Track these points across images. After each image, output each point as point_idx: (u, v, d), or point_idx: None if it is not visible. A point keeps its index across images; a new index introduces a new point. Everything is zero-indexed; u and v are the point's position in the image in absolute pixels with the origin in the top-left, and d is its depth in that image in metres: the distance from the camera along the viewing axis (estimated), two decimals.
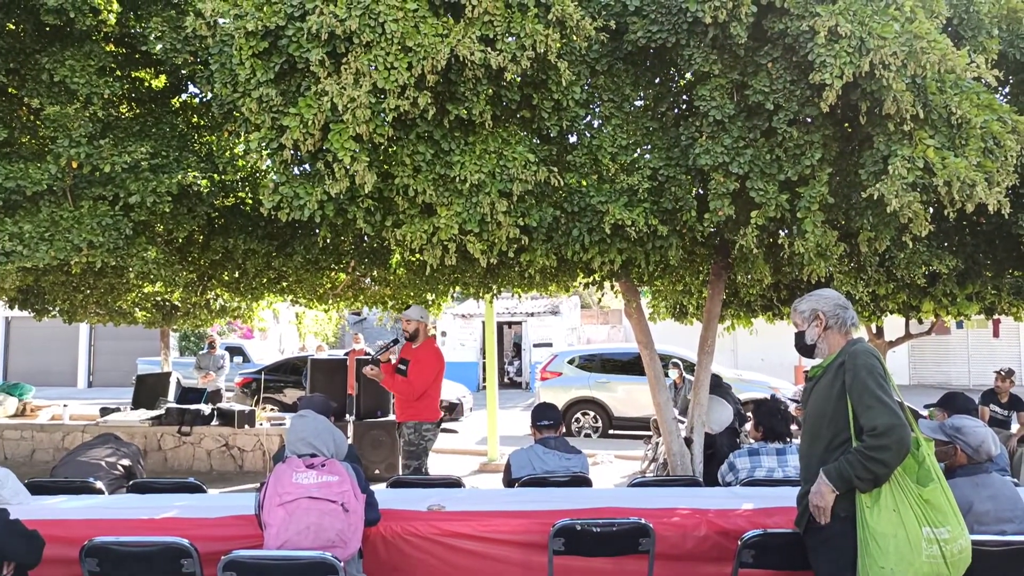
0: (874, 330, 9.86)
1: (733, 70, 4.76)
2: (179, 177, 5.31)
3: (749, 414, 6.84)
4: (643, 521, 3.30)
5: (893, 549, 2.70)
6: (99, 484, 4.30)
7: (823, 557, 2.92)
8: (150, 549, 3.03)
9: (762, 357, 20.02)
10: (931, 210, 4.97)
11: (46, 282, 7.85)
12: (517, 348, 24.68)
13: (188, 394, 10.55)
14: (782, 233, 5.45)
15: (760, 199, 4.68)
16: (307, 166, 4.86)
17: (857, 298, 6.71)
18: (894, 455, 2.74)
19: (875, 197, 4.40)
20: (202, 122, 6.53)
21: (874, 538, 2.74)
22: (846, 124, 5.01)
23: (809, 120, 4.78)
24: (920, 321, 9.18)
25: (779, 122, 4.64)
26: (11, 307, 9.55)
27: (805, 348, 3.11)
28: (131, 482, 4.67)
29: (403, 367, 6.09)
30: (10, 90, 5.73)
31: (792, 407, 8.35)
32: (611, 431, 12.69)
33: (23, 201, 5.15)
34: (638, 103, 5.34)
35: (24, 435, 9.75)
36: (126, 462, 5.01)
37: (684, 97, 5.35)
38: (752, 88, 4.65)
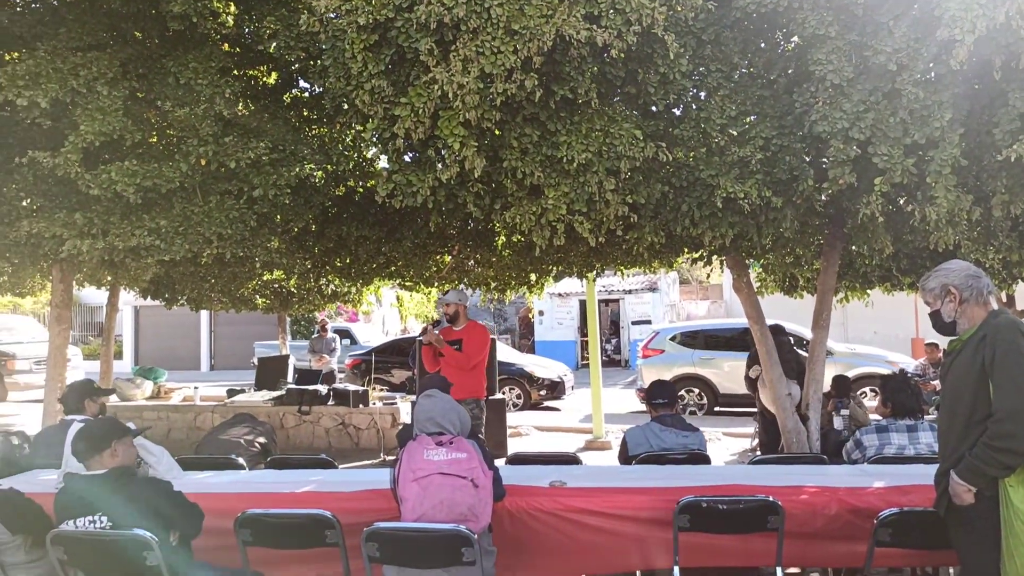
0: (1004, 299, 9.24)
1: (851, 31, 4.54)
2: (297, 170, 5.55)
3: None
4: (771, 499, 3.26)
5: None
6: (240, 460, 4.61)
7: (966, 538, 2.81)
8: (297, 521, 3.24)
9: (875, 330, 19.09)
10: None
11: (176, 273, 8.41)
12: (614, 326, 24.54)
13: (305, 375, 11.09)
14: (903, 200, 5.20)
15: (884, 165, 4.47)
16: (417, 153, 4.98)
17: (988, 265, 6.31)
18: (1023, 441, 2.60)
19: (1012, 159, 4.12)
20: (313, 115, 6.79)
21: (1019, 517, 2.61)
22: (976, 83, 4.71)
23: (935, 79, 4.53)
24: None
25: (903, 83, 4.41)
26: (144, 297, 10.28)
27: (944, 327, 2.95)
28: (268, 458, 4.99)
29: (455, 347, 6.17)
30: (139, 94, 6.13)
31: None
32: (717, 408, 12.48)
33: (158, 199, 5.52)
34: (746, 71, 5.18)
35: (160, 415, 10.51)
36: (262, 440, 5.35)
37: (795, 62, 5.16)
38: (872, 49, 4.42)
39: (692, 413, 12.39)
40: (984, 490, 2.71)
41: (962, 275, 2.93)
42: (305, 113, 6.83)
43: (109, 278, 9.02)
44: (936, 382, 9.22)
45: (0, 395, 15.78)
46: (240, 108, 6.54)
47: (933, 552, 3.40)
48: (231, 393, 10.58)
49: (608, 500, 3.55)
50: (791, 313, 12.36)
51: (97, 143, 5.28)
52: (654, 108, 5.10)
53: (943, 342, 3.16)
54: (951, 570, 3.85)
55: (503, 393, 12.43)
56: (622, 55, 4.74)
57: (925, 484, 3.47)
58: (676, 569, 3.41)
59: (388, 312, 25.61)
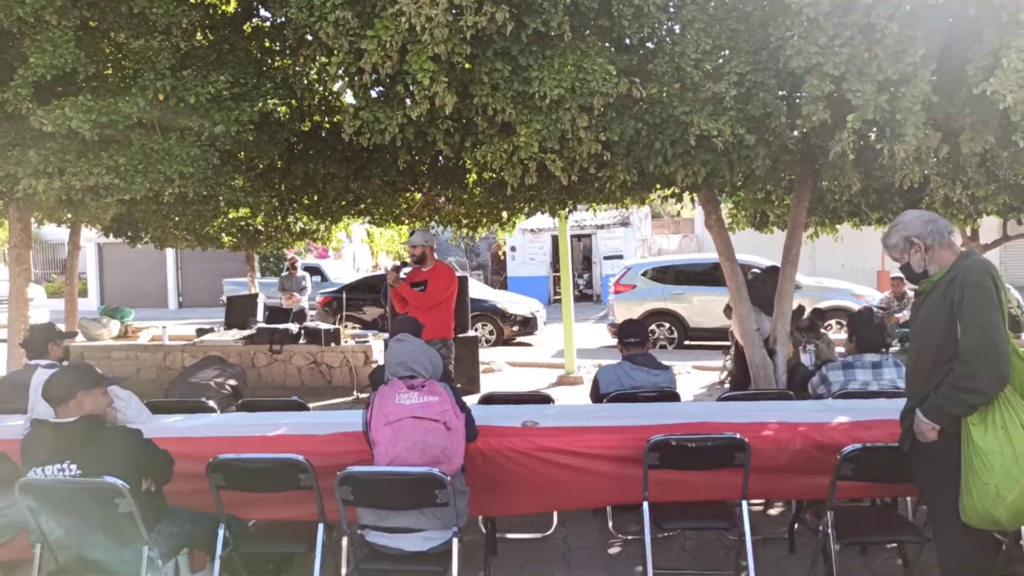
0: (969, 232, 9.41)
1: None
2: (259, 105, 5.36)
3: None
4: (739, 436, 3.33)
5: (999, 465, 2.65)
6: (211, 403, 4.59)
7: (927, 473, 2.90)
8: (270, 464, 3.25)
9: (842, 263, 19.44)
10: None
11: (138, 211, 8.19)
12: (587, 261, 24.63)
13: (275, 314, 11.01)
14: (872, 137, 5.19)
15: (857, 101, 4.43)
16: (385, 89, 4.83)
17: (955, 200, 6.39)
18: (987, 382, 2.66)
19: (987, 93, 4.10)
20: (275, 47, 6.53)
21: (979, 454, 2.69)
22: (950, 18, 4.64)
23: (910, 12, 4.45)
24: (1019, 222, 8.70)
25: (878, 17, 4.33)
26: (106, 235, 10.05)
27: (917, 277, 2.98)
28: (240, 400, 4.97)
29: (421, 287, 6.16)
30: (91, 23, 5.82)
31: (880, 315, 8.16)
32: (687, 342, 12.69)
33: (116, 135, 5.31)
34: (721, 3, 5.05)
35: (129, 355, 10.41)
36: (233, 382, 5.32)
37: None
38: None
39: (663, 347, 12.60)
40: (947, 428, 2.79)
41: (919, 223, 2.95)
42: (267, 44, 6.55)
43: (69, 216, 8.78)
44: (900, 315, 9.43)
45: None
46: (199, 38, 6.26)
47: (893, 485, 3.52)
48: (200, 332, 10.49)
49: (580, 439, 3.61)
50: (759, 247, 12.50)
51: (48, 77, 5.04)
52: (628, 42, 4.97)
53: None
54: (908, 500, 4.02)
55: (475, 330, 12.49)
56: None
57: (887, 419, 3.57)
58: (645, 504, 3.49)
59: (359, 248, 25.42)
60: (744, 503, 3.48)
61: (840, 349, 6.89)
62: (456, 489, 3.14)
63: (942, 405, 2.75)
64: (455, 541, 3.17)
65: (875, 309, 9.32)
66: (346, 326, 11.27)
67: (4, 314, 8.06)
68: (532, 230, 22.71)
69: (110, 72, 5.92)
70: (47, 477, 2.98)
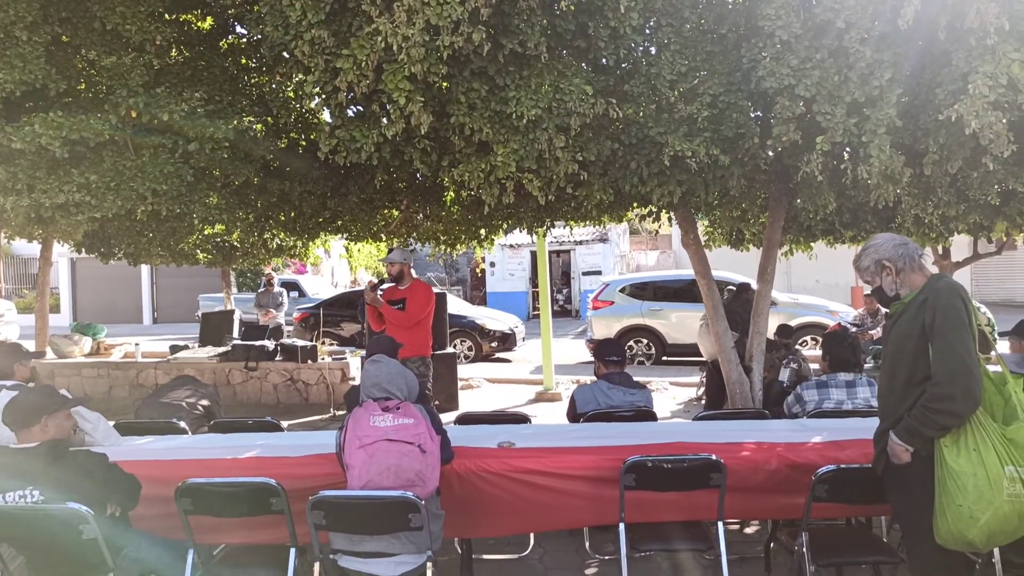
0: (940, 251, 9.55)
1: None
2: (235, 123, 5.32)
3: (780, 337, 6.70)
4: (714, 457, 3.33)
5: (972, 487, 2.66)
6: (182, 424, 4.51)
7: (902, 495, 2.91)
8: (241, 489, 3.19)
9: (817, 279, 19.65)
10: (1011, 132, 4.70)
11: (111, 227, 8.08)
12: (565, 276, 24.69)
13: (251, 330, 10.89)
14: (846, 157, 5.26)
15: (826, 123, 4.49)
16: (361, 107, 4.82)
17: (926, 220, 6.48)
18: (960, 404, 2.67)
19: (953, 118, 4.18)
20: (251, 64, 6.50)
21: (952, 476, 2.70)
22: (920, 42, 4.73)
23: (880, 37, 4.53)
24: (989, 240, 8.86)
25: (850, 41, 4.40)
26: (78, 251, 9.89)
27: (888, 300, 3.01)
28: (212, 421, 4.89)
29: (399, 306, 6.12)
30: (63, 38, 5.76)
31: (853, 331, 8.26)
32: (664, 358, 12.73)
33: (87, 152, 5.24)
34: (696, 26, 5.12)
35: (101, 372, 10.23)
36: (205, 402, 5.23)
37: (745, 17, 5.11)
38: (821, 5, 4.40)
39: (640, 363, 12.62)
40: (920, 450, 2.80)
41: (890, 247, 2.98)
42: (243, 61, 6.52)
43: (39, 233, 8.63)
44: (874, 331, 9.53)
45: None
46: (173, 54, 6.21)
47: (867, 505, 3.54)
48: (174, 349, 10.33)
49: (556, 460, 3.59)
50: (735, 264, 12.61)
51: (18, 92, 4.98)
52: (604, 63, 5.01)
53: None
54: (883, 519, 4.04)
55: (454, 346, 12.45)
56: (572, 7, 4.64)
57: (861, 438, 3.59)
58: (622, 525, 3.47)
59: (337, 264, 25.27)
60: (720, 523, 3.47)
61: (815, 366, 6.95)
62: (431, 512, 3.10)
63: (915, 427, 2.76)
64: (429, 565, 3.13)
65: (849, 326, 9.43)
66: (323, 343, 11.17)
67: None
68: (511, 246, 22.74)
69: (82, 88, 5.85)
70: (8, 504, 2.90)
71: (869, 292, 9.64)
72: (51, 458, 2.96)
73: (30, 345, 5.13)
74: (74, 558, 2.98)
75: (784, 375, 6.30)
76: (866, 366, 7.04)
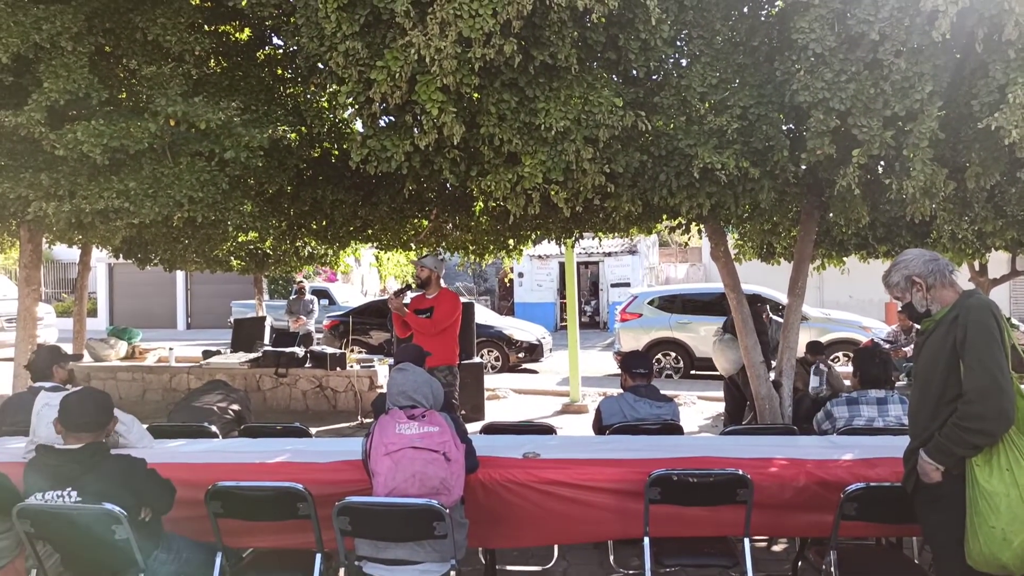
0: (977, 268, 9.36)
1: None
2: (269, 131, 5.42)
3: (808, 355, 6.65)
4: (741, 472, 3.29)
5: (1005, 508, 2.61)
6: (213, 428, 4.58)
7: (932, 515, 2.86)
8: (269, 493, 3.23)
9: (850, 294, 19.35)
10: None
11: (148, 234, 8.25)
12: (594, 288, 24.62)
13: (282, 337, 11.02)
14: (880, 171, 5.20)
15: (863, 136, 4.45)
16: (394, 118, 4.88)
17: (961, 236, 6.37)
18: (992, 423, 2.62)
19: (992, 128, 4.12)
20: (287, 74, 6.62)
21: (984, 497, 2.64)
22: (957, 54, 4.67)
23: (917, 50, 4.48)
24: None
25: (885, 53, 4.37)
26: (116, 257, 10.12)
27: (919, 316, 2.96)
28: (242, 426, 4.96)
29: (426, 315, 6.10)
30: (106, 48, 5.92)
31: (886, 348, 8.10)
32: (692, 371, 12.61)
33: (127, 159, 5.37)
34: (728, 38, 5.10)
35: (135, 376, 10.43)
36: (236, 407, 5.31)
37: (778, 29, 5.09)
38: (855, 17, 4.37)
39: (668, 376, 12.52)
40: (951, 469, 2.75)
41: (920, 262, 2.93)
42: (279, 72, 6.65)
43: (79, 238, 8.85)
44: (908, 348, 9.36)
45: None
46: (212, 65, 6.35)
47: (898, 525, 3.47)
48: (207, 354, 10.50)
49: (581, 472, 3.58)
50: (765, 278, 12.47)
51: (62, 101, 5.11)
52: (635, 74, 5.02)
53: None
54: (914, 540, 3.96)
55: (481, 356, 12.47)
56: (603, 20, 4.65)
57: (892, 457, 3.53)
58: (646, 539, 3.45)
59: (367, 272, 25.49)
60: (747, 540, 3.43)
61: (847, 383, 6.84)
62: (455, 521, 3.11)
63: (946, 446, 2.71)
64: (453, 574, 3.14)
65: (882, 342, 9.26)
66: (352, 350, 11.27)
67: (13, 333, 8.10)
68: (540, 256, 22.74)
69: (123, 97, 6.01)
70: (46, 503, 2.97)
71: (903, 308, 9.48)
72: (93, 462, 3.03)
73: (68, 348, 5.25)
74: (106, 557, 3.04)
75: (814, 381, 6.22)
76: (899, 383, 6.92)
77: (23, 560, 3.34)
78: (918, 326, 3.04)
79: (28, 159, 5.52)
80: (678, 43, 4.96)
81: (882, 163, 5.15)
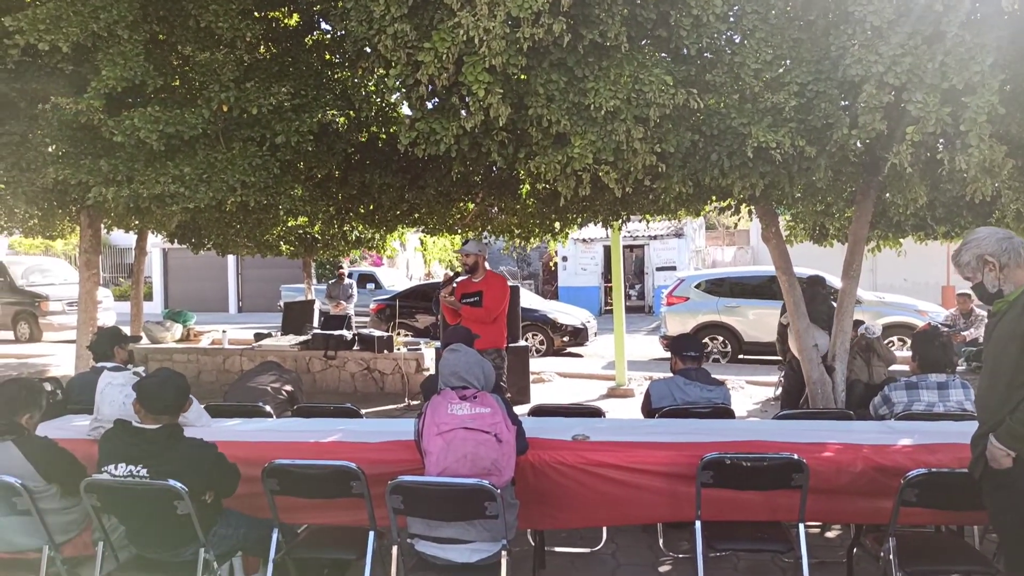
0: None
1: None
2: (319, 116, 5.48)
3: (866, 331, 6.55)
4: (796, 457, 3.23)
5: None
6: (267, 408, 4.68)
7: (1001, 502, 2.76)
8: (323, 471, 3.29)
9: (905, 277, 18.82)
10: None
11: (202, 219, 8.45)
12: (639, 271, 24.41)
13: (331, 320, 11.19)
14: (940, 147, 5.01)
15: (918, 112, 4.29)
16: (441, 100, 4.88)
17: None
18: None
19: None
20: (335, 59, 6.67)
21: None
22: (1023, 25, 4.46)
23: (980, 20, 4.29)
24: None
25: (948, 24, 4.19)
26: (171, 242, 10.40)
27: (990, 297, 2.85)
28: (295, 406, 5.06)
29: (474, 299, 6.09)
30: (160, 36, 6.04)
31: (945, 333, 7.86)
32: (741, 356, 12.44)
33: (181, 145, 5.49)
34: (783, 12, 4.96)
35: (190, 358, 10.71)
36: (289, 387, 5.41)
37: (835, 2, 4.92)
38: None
39: (716, 361, 12.37)
40: (1022, 453, 2.65)
41: (993, 241, 2.81)
42: (327, 57, 6.71)
43: (136, 223, 9.10)
44: (967, 332, 9.07)
45: (35, 336, 16.19)
46: (262, 51, 6.44)
47: (960, 512, 3.38)
48: (258, 337, 10.73)
49: (631, 455, 3.56)
50: (818, 260, 12.18)
51: (119, 89, 5.24)
52: (686, 52, 4.92)
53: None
54: (975, 528, 3.85)
55: (526, 340, 12.48)
56: None
57: (954, 442, 3.44)
58: (698, 523, 3.42)
59: (412, 256, 25.69)
60: (801, 525, 3.37)
61: (904, 367, 6.66)
62: (506, 502, 3.12)
63: (1019, 431, 2.62)
64: (504, 554, 3.16)
65: (940, 327, 8.99)
66: (399, 333, 11.39)
67: (75, 316, 8.40)
68: (584, 240, 22.62)
69: (177, 84, 6.13)
70: (113, 477, 3.07)
71: (964, 291, 9.18)
72: (168, 443, 3.13)
73: (126, 331, 5.41)
74: (169, 532, 3.13)
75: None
76: (959, 369, 6.72)
77: (90, 533, 3.46)
78: (980, 311, 2.93)
79: (87, 146, 5.68)
80: (731, 19, 4.83)
81: (941, 141, 4.96)
